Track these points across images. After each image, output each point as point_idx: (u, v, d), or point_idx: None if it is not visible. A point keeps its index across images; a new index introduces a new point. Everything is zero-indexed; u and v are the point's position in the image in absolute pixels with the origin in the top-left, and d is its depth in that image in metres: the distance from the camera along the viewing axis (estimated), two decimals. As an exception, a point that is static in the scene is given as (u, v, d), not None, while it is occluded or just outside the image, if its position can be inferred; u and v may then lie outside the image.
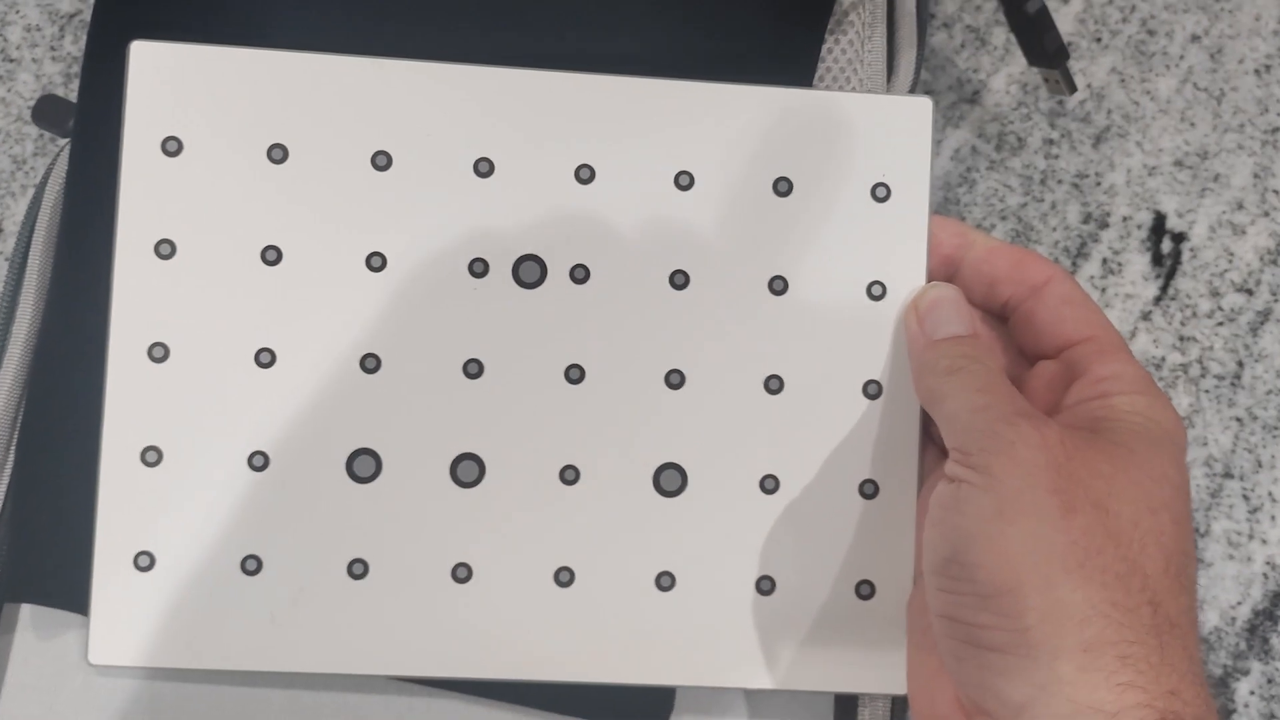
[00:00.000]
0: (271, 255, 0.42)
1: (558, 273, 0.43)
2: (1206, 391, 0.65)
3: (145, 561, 0.42)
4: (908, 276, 0.44)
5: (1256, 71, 0.68)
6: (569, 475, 0.43)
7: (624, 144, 0.43)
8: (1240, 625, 0.63)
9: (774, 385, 0.43)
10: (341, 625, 0.42)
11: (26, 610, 0.45)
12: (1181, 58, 0.68)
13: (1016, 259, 0.43)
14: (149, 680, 0.45)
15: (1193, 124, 0.68)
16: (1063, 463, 0.36)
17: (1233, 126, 0.68)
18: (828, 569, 0.43)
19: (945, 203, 0.66)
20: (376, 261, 0.43)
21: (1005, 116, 0.68)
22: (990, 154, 0.67)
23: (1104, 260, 0.66)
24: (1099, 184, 0.67)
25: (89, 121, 0.46)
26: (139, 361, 0.42)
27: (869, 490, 0.43)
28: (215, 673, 0.44)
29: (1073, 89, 0.63)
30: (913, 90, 0.50)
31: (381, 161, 0.43)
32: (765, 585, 0.43)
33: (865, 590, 0.43)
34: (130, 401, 0.42)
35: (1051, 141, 0.67)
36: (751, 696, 0.46)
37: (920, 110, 0.44)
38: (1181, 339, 0.66)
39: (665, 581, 0.43)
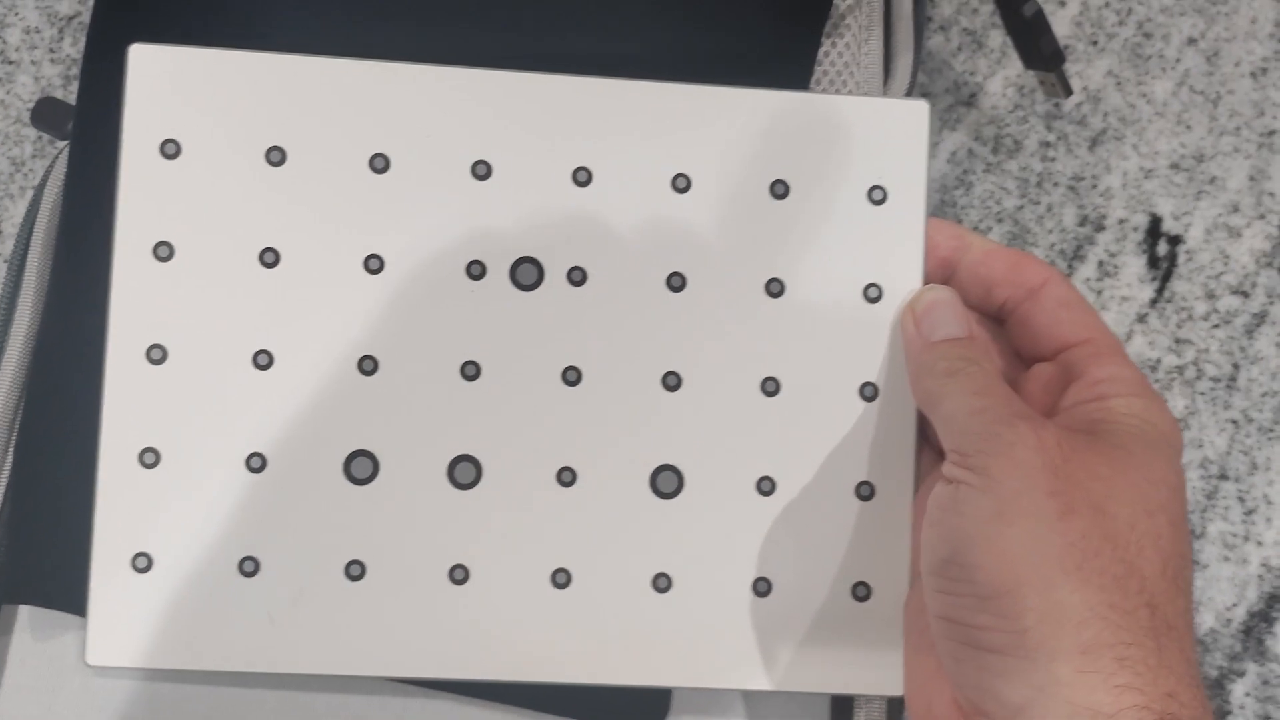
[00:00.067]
0: (270, 257, 0.42)
1: (555, 275, 0.43)
2: (1202, 394, 0.65)
3: (143, 563, 0.42)
4: (904, 279, 0.44)
5: (1253, 74, 0.69)
6: (566, 477, 0.43)
7: (621, 146, 0.43)
8: (1235, 627, 0.63)
9: (770, 387, 0.43)
10: (339, 626, 0.42)
11: (24, 611, 0.45)
12: (1178, 61, 0.69)
13: (1013, 261, 0.43)
14: (147, 681, 0.45)
15: (1189, 127, 0.68)
16: (1060, 465, 0.36)
17: (1229, 129, 0.68)
18: (824, 570, 0.43)
19: (942, 205, 0.66)
20: (374, 263, 0.43)
21: (1002, 119, 0.68)
22: (987, 156, 0.67)
23: (1100, 263, 0.66)
24: (1095, 187, 0.67)
25: (88, 124, 0.46)
26: (137, 363, 0.42)
27: (865, 492, 0.44)
28: (213, 674, 0.44)
29: (1069, 92, 0.63)
30: (909, 93, 0.50)
31: (379, 164, 0.43)
32: (762, 587, 0.43)
33: (862, 592, 0.43)
34: (128, 403, 0.42)
35: (1048, 144, 0.67)
36: (748, 698, 0.46)
37: (917, 113, 0.44)
38: (1177, 341, 0.66)
39: (662, 583, 0.43)
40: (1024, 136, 0.67)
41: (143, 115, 0.42)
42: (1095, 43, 0.69)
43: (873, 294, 0.44)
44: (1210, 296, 0.66)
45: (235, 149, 0.42)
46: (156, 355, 0.42)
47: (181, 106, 0.42)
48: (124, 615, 0.42)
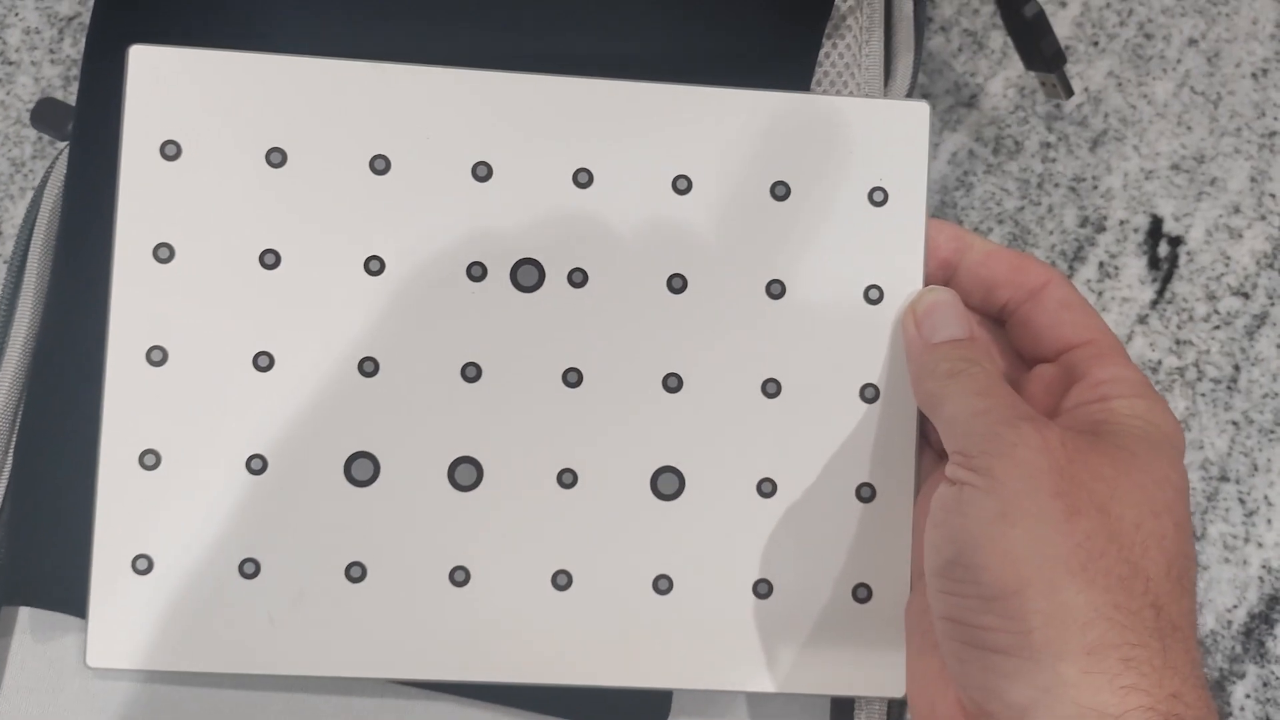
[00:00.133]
0: (270, 259, 0.42)
1: (556, 276, 0.43)
2: (1203, 395, 0.65)
3: (144, 564, 0.42)
4: (905, 280, 0.44)
5: (1254, 75, 0.69)
6: (567, 478, 0.43)
7: (622, 148, 0.43)
8: (1236, 629, 0.63)
9: (771, 389, 0.43)
10: (340, 628, 0.42)
11: (24, 613, 0.45)
12: (1179, 61, 0.69)
13: (1014, 262, 0.43)
14: (147, 683, 0.45)
15: (1190, 128, 0.68)
16: (1064, 466, 0.36)
17: (1230, 130, 0.68)
18: (825, 572, 0.43)
19: (942, 206, 0.66)
20: (375, 265, 0.43)
21: (1002, 120, 0.68)
22: (987, 157, 0.67)
23: (1101, 264, 0.66)
24: (1096, 188, 0.67)
25: (88, 125, 0.46)
26: (137, 365, 0.42)
27: (866, 494, 0.44)
28: (214, 676, 0.44)
29: (1070, 93, 0.63)
30: (910, 94, 0.50)
31: (380, 165, 0.43)
32: (763, 588, 0.43)
33: (862, 593, 0.43)
34: (129, 405, 0.42)
35: (1048, 145, 0.67)
36: (748, 699, 0.46)
37: (917, 114, 0.44)
38: (1178, 343, 0.66)
39: (663, 584, 0.43)
40: (1025, 137, 0.67)
41: (143, 116, 0.42)
42: (1096, 43, 0.69)
43: (873, 295, 0.44)
44: (1211, 298, 0.66)
45: (236, 150, 0.42)
46: (157, 357, 0.42)
47: (182, 107, 0.42)
48: (124, 617, 0.42)
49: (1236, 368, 0.65)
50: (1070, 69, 0.66)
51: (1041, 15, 0.59)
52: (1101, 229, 0.66)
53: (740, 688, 0.43)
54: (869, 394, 0.44)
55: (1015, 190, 0.67)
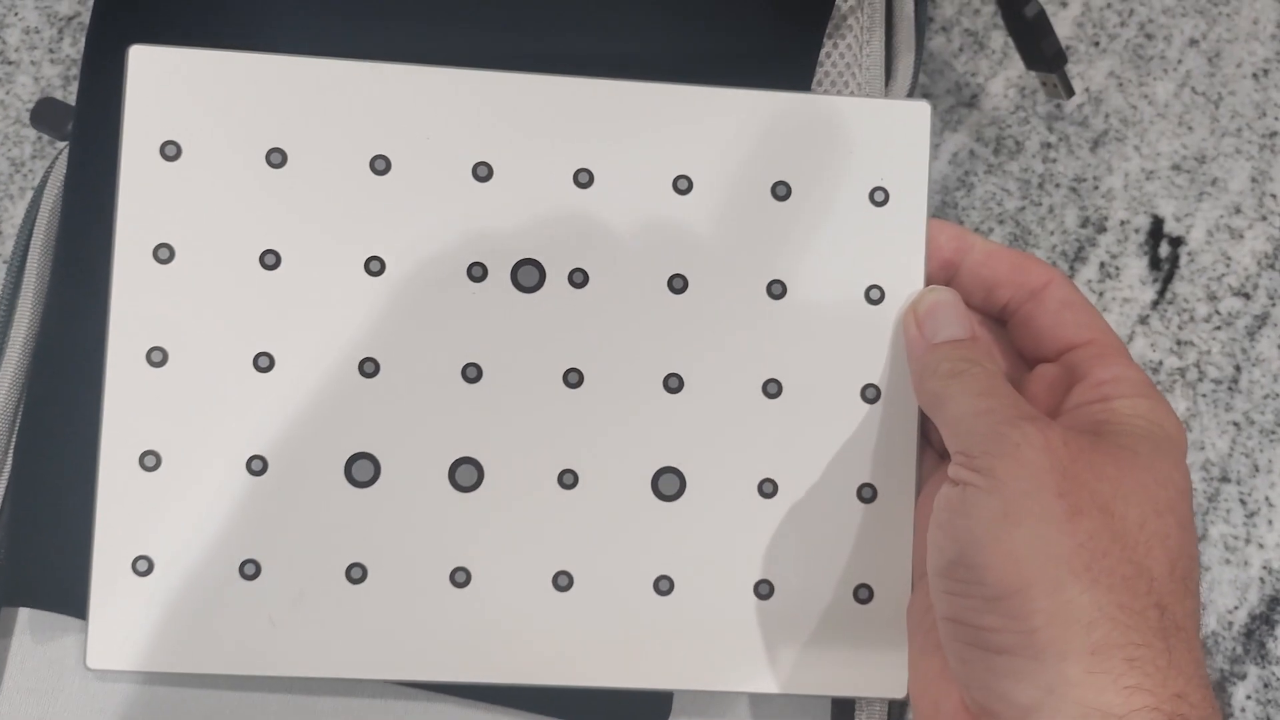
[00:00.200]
0: (270, 259, 0.42)
1: (556, 277, 0.43)
2: (1204, 396, 0.65)
3: (144, 566, 0.42)
4: (906, 280, 0.44)
5: (1254, 76, 0.68)
6: (567, 479, 0.43)
7: (622, 148, 0.43)
8: (1237, 630, 0.63)
9: (772, 389, 0.43)
10: (340, 629, 0.42)
11: (24, 614, 0.45)
12: (1179, 62, 0.68)
13: (1015, 262, 0.43)
14: (147, 684, 0.45)
15: (1190, 128, 0.68)
16: (1067, 465, 0.36)
17: (1230, 131, 0.68)
18: (826, 573, 0.43)
19: (943, 206, 0.66)
20: (375, 265, 0.42)
21: (1003, 120, 0.68)
22: (988, 158, 0.67)
23: (1101, 264, 0.66)
24: (1097, 188, 0.67)
25: (88, 125, 0.46)
26: (138, 365, 0.42)
27: (867, 494, 0.43)
28: (214, 677, 0.44)
29: (1070, 93, 0.63)
30: (911, 94, 0.50)
31: (380, 165, 0.43)
32: (764, 589, 0.43)
33: (864, 594, 0.43)
34: (129, 406, 0.42)
35: (1049, 145, 0.67)
36: (749, 700, 0.46)
37: (918, 114, 0.44)
38: (1179, 343, 0.66)
39: (664, 585, 0.43)
40: (1025, 138, 0.67)
41: (143, 116, 0.42)
42: (1097, 44, 0.69)
43: (874, 295, 0.44)
44: (1212, 298, 0.66)
45: (236, 150, 0.42)
46: (157, 357, 0.42)
47: (182, 108, 0.42)
48: (125, 618, 0.42)
49: (1237, 368, 0.65)
50: (1071, 69, 0.66)
51: (1042, 15, 0.59)
52: (1102, 229, 0.66)
53: (741, 688, 0.43)
54: (870, 394, 0.43)
55: (1016, 190, 0.67)
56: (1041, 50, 0.60)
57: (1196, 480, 0.64)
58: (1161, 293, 0.66)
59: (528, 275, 0.43)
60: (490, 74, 0.43)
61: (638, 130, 0.43)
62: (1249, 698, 0.62)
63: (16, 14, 0.66)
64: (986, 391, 0.39)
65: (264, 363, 0.42)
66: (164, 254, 0.42)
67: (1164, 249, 0.66)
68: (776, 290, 0.43)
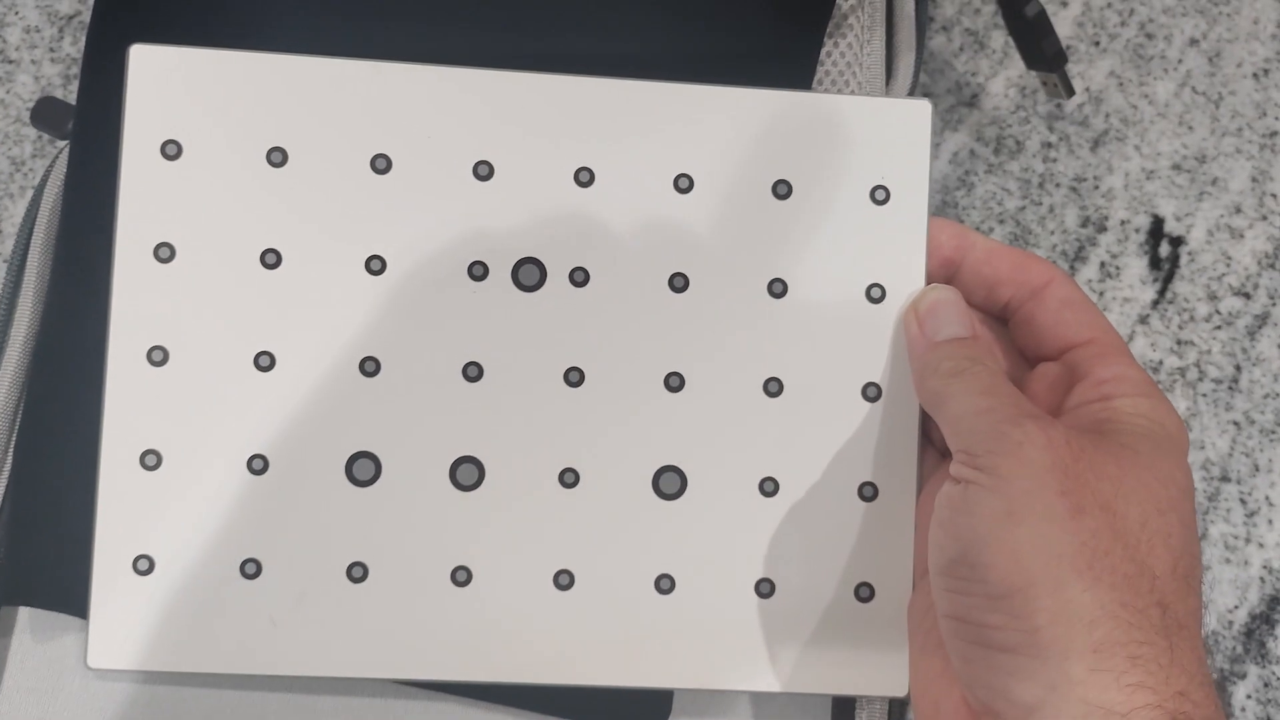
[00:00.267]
0: (271, 258, 0.42)
1: (557, 275, 0.43)
2: (1204, 395, 0.65)
3: (145, 565, 0.42)
4: (907, 279, 0.44)
5: (1255, 75, 0.68)
6: (568, 478, 0.43)
7: (623, 147, 0.43)
8: (1237, 629, 0.63)
9: (773, 388, 0.43)
10: (341, 629, 0.42)
11: (24, 613, 0.45)
12: (1180, 61, 0.68)
13: (1016, 261, 0.43)
14: (147, 684, 0.44)
15: (1191, 128, 0.68)
16: (1070, 464, 0.36)
17: (1231, 130, 0.68)
18: (827, 571, 0.43)
19: (943, 206, 0.66)
20: (376, 264, 0.42)
21: (1003, 120, 0.68)
22: (988, 157, 0.67)
23: (1102, 264, 0.66)
24: (1097, 187, 0.67)
25: (88, 124, 0.46)
26: (138, 365, 0.42)
27: (868, 493, 0.43)
28: (214, 676, 0.44)
29: (1071, 92, 0.63)
30: (911, 93, 0.50)
31: (381, 164, 0.43)
32: (765, 588, 0.43)
33: (865, 593, 0.43)
34: (129, 405, 0.42)
35: (1050, 145, 0.67)
36: (750, 699, 0.46)
37: (919, 113, 0.44)
38: (1179, 343, 0.66)
39: (665, 584, 0.43)
40: (1026, 137, 0.67)
41: (143, 115, 0.42)
42: (1097, 43, 0.69)
43: (875, 294, 0.44)
44: (1212, 298, 0.66)
45: (236, 149, 0.42)
46: (158, 357, 0.42)
47: (182, 107, 0.42)
48: (125, 618, 0.42)
49: (1238, 368, 0.65)
50: (1071, 69, 0.66)
51: (1043, 15, 0.59)
52: (1103, 229, 0.66)
53: (742, 687, 0.43)
54: (871, 393, 0.43)
55: (1016, 190, 0.67)
56: (1042, 50, 0.60)
57: (1197, 480, 0.64)
58: (1162, 292, 0.66)
59: (528, 274, 0.43)
60: (491, 73, 0.43)
61: (638, 129, 0.43)
62: (1249, 697, 0.62)
63: (17, 13, 0.66)
64: (988, 390, 0.39)
65: (265, 362, 0.42)
66: (164, 253, 0.42)
67: (1164, 249, 0.66)
68: (777, 289, 0.43)
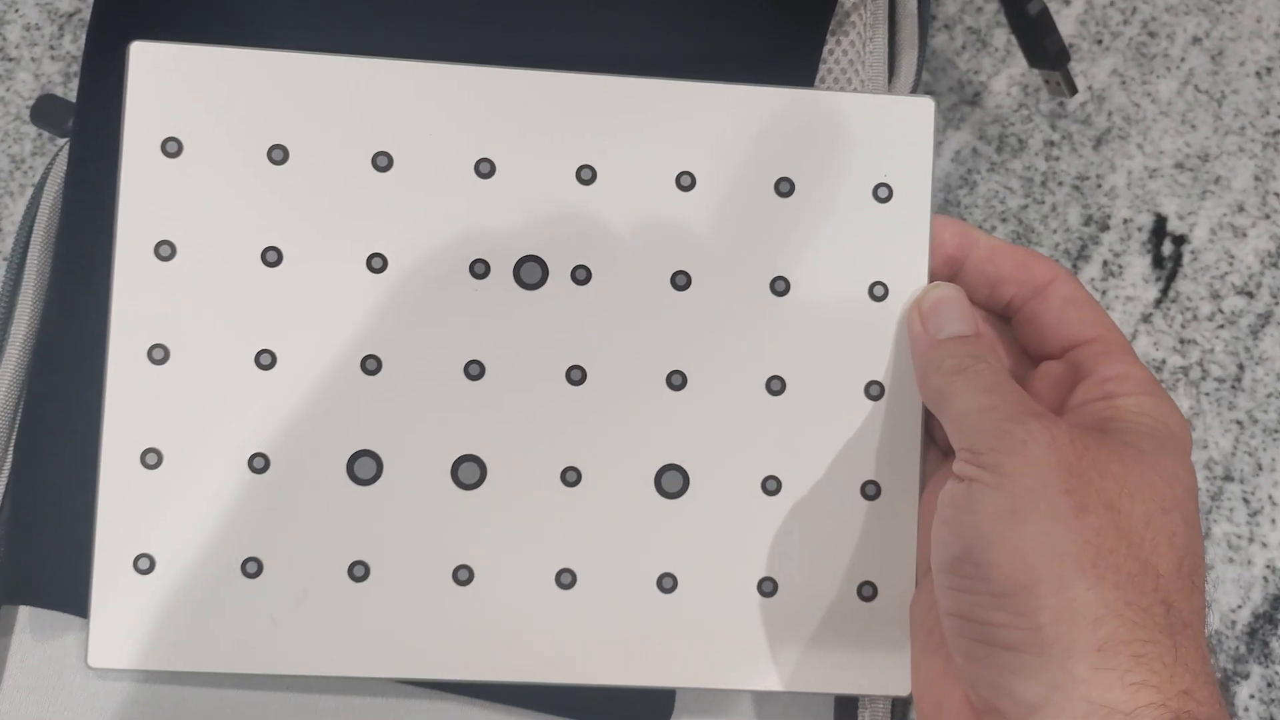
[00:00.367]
0: (272, 256, 0.42)
1: (559, 273, 0.43)
2: (1207, 394, 0.65)
3: (145, 564, 0.42)
4: (910, 277, 0.44)
5: (1258, 74, 0.68)
6: (570, 477, 0.43)
7: (625, 144, 0.43)
8: (1240, 629, 0.63)
9: (776, 386, 0.43)
10: (342, 628, 0.42)
11: (24, 612, 0.45)
12: (1183, 60, 0.68)
13: (1020, 259, 0.43)
14: (148, 683, 0.44)
15: (1194, 126, 0.68)
16: (1074, 462, 0.36)
17: (1234, 129, 0.68)
18: (830, 570, 0.43)
19: (946, 204, 0.66)
20: (377, 263, 0.42)
21: (1006, 118, 0.68)
22: (991, 156, 0.67)
23: (1105, 262, 0.66)
24: (1100, 186, 0.67)
25: (88, 121, 0.46)
26: (139, 363, 0.42)
27: (871, 491, 0.43)
28: (215, 676, 0.44)
29: (1074, 91, 0.63)
30: (914, 91, 0.50)
31: (382, 162, 0.43)
32: (767, 586, 0.43)
33: (867, 591, 0.43)
34: (130, 403, 0.42)
35: (1052, 143, 0.67)
36: (752, 698, 0.45)
37: (922, 110, 0.44)
38: (1182, 342, 0.65)
39: (667, 583, 0.43)
40: (1028, 135, 0.67)
41: (144, 113, 0.42)
42: (1100, 41, 0.69)
43: (878, 292, 0.43)
44: (1215, 297, 0.66)
45: (237, 147, 0.42)
46: (158, 355, 0.42)
47: (183, 104, 0.42)
48: (126, 617, 0.41)
49: (1241, 367, 0.65)
50: (1074, 67, 0.66)
51: (1045, 13, 0.59)
52: (1105, 228, 0.66)
53: (744, 686, 0.43)
54: (874, 391, 0.43)
55: (1019, 189, 0.67)
56: (1044, 48, 0.60)
57: (1200, 479, 0.64)
58: (1165, 291, 0.66)
59: (530, 272, 0.43)
60: (492, 70, 0.43)
61: (640, 126, 0.43)
62: (1252, 697, 0.62)
63: (17, 10, 0.66)
64: (991, 388, 0.39)
65: (266, 360, 0.42)
66: (165, 251, 0.42)
67: (1167, 247, 0.66)
68: (780, 287, 0.43)
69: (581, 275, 0.43)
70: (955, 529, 0.37)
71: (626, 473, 0.43)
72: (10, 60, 0.66)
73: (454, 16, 0.47)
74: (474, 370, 0.43)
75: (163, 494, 0.42)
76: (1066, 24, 0.69)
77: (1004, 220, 0.66)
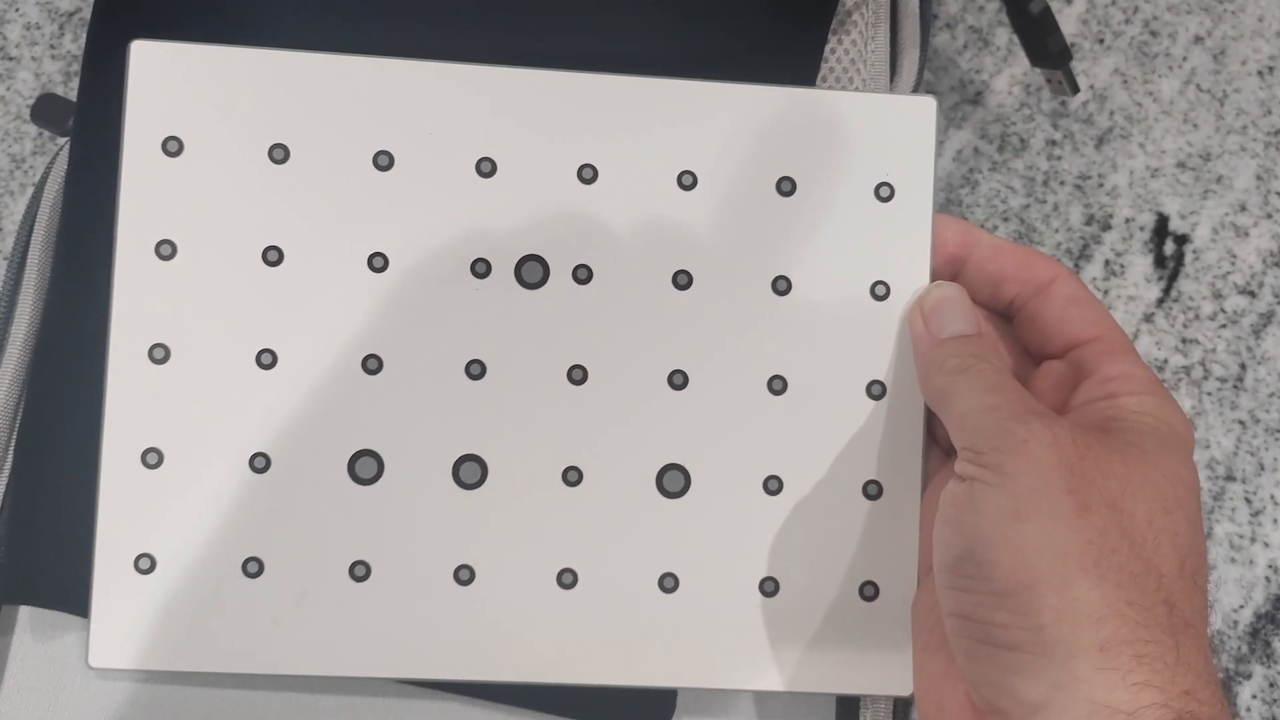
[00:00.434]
0: (273, 256, 0.42)
1: (560, 273, 0.43)
2: (1209, 394, 0.65)
3: (146, 564, 0.41)
4: (912, 276, 0.44)
5: (1260, 73, 0.68)
6: (572, 476, 0.43)
7: (627, 143, 0.43)
8: (1242, 629, 0.63)
9: (777, 386, 0.43)
10: (343, 627, 0.42)
11: (25, 612, 0.45)
12: (1184, 59, 0.68)
13: (1022, 258, 0.43)
14: (148, 683, 0.44)
15: (1196, 126, 0.67)
16: (1076, 462, 0.36)
17: (1236, 128, 0.67)
18: (832, 570, 0.43)
19: (947, 204, 0.66)
20: (378, 262, 0.42)
21: (1008, 117, 0.67)
22: (993, 155, 0.67)
23: (1106, 262, 0.66)
24: (1101, 185, 0.67)
25: (89, 121, 0.46)
26: (140, 363, 0.42)
27: (873, 491, 0.43)
28: (216, 675, 0.44)
29: (1075, 90, 0.62)
30: (915, 90, 0.50)
31: (383, 161, 0.43)
32: (769, 586, 0.43)
33: (869, 591, 0.43)
34: (131, 403, 0.42)
35: (1054, 143, 0.67)
36: (754, 698, 0.45)
37: (924, 109, 0.44)
38: (1184, 341, 0.65)
39: (669, 583, 0.43)
40: (1030, 135, 0.67)
41: (144, 112, 0.42)
42: (1102, 41, 0.68)
43: (880, 291, 0.43)
44: (1217, 296, 0.66)
45: (238, 146, 0.42)
46: (159, 354, 0.42)
47: (184, 103, 0.42)
48: (127, 617, 0.41)
49: (1243, 366, 0.65)
50: (1076, 66, 0.66)
51: (1047, 12, 0.59)
52: (1107, 227, 0.66)
53: (746, 686, 0.43)
54: (876, 390, 0.43)
55: (1021, 188, 0.66)
56: (1046, 47, 0.60)
57: (1202, 479, 0.64)
58: (1167, 290, 0.66)
59: (531, 271, 0.43)
60: (493, 69, 0.43)
61: (642, 126, 0.43)
62: (1254, 697, 0.62)
63: (17, 10, 0.66)
64: (993, 387, 0.39)
65: (267, 359, 0.42)
66: (166, 250, 0.42)
67: (1169, 247, 0.66)
68: (781, 286, 0.43)
69: (583, 274, 0.43)
70: (957, 529, 0.37)
71: (628, 472, 0.43)
72: (10, 59, 0.65)
73: (454, 16, 0.47)
74: (475, 370, 0.42)
75: (163, 494, 0.42)
76: (1068, 23, 0.69)
77: (1006, 219, 0.66)
